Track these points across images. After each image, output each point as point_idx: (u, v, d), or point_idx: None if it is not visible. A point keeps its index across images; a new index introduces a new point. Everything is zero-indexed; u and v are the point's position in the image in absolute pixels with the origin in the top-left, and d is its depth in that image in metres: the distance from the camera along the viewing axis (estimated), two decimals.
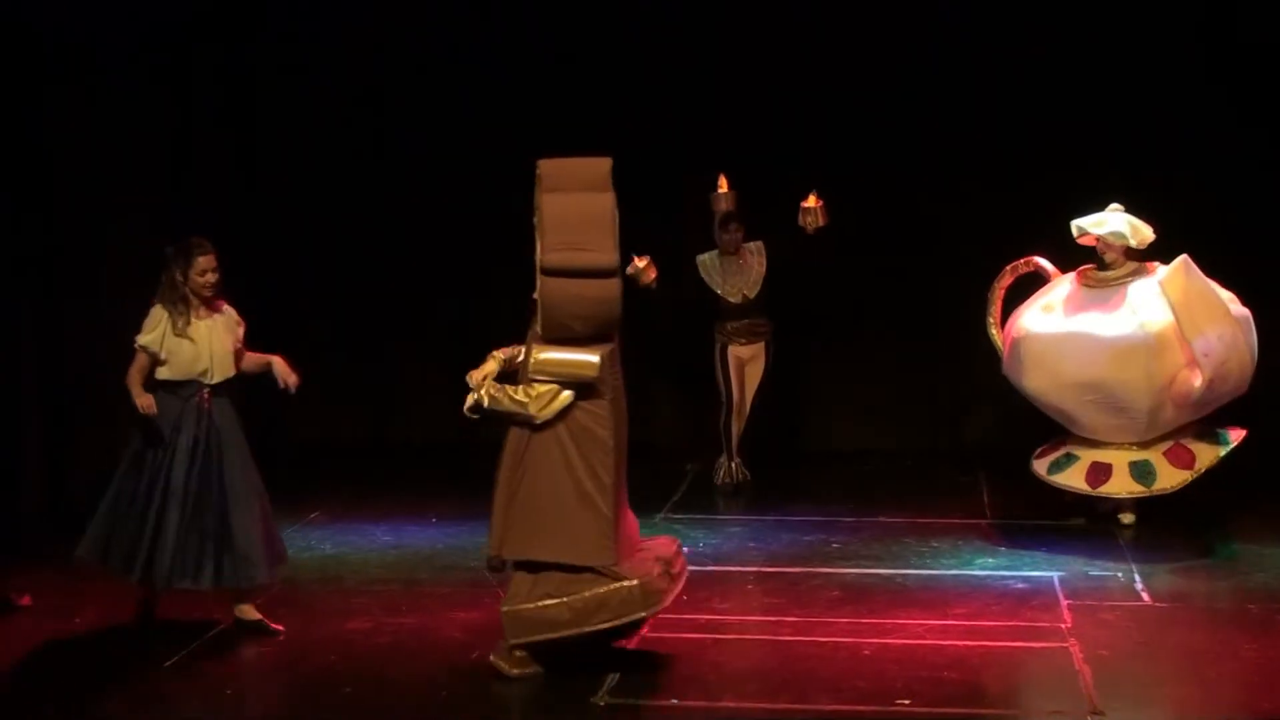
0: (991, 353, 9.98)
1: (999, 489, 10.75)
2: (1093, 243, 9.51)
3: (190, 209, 11.04)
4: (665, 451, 11.58)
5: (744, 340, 10.83)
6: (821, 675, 7.33)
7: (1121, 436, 9.53)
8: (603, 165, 7.33)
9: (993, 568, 9.02)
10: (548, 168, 7.32)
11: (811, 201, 10.40)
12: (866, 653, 7.61)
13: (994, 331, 9.96)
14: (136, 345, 7.75)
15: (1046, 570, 8.91)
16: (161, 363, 7.73)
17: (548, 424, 7.17)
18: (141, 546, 7.71)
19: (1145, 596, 8.47)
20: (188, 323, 7.73)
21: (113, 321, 10.45)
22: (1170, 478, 9.45)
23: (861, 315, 11.79)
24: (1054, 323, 9.51)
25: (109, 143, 10.57)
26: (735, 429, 10.90)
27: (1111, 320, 9.36)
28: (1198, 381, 9.14)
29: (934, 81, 11.51)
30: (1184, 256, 9.23)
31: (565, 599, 7.16)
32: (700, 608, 8.30)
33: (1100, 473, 9.53)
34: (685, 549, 7.78)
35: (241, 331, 7.94)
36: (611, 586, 7.15)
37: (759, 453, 11.35)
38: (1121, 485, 9.50)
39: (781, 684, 7.21)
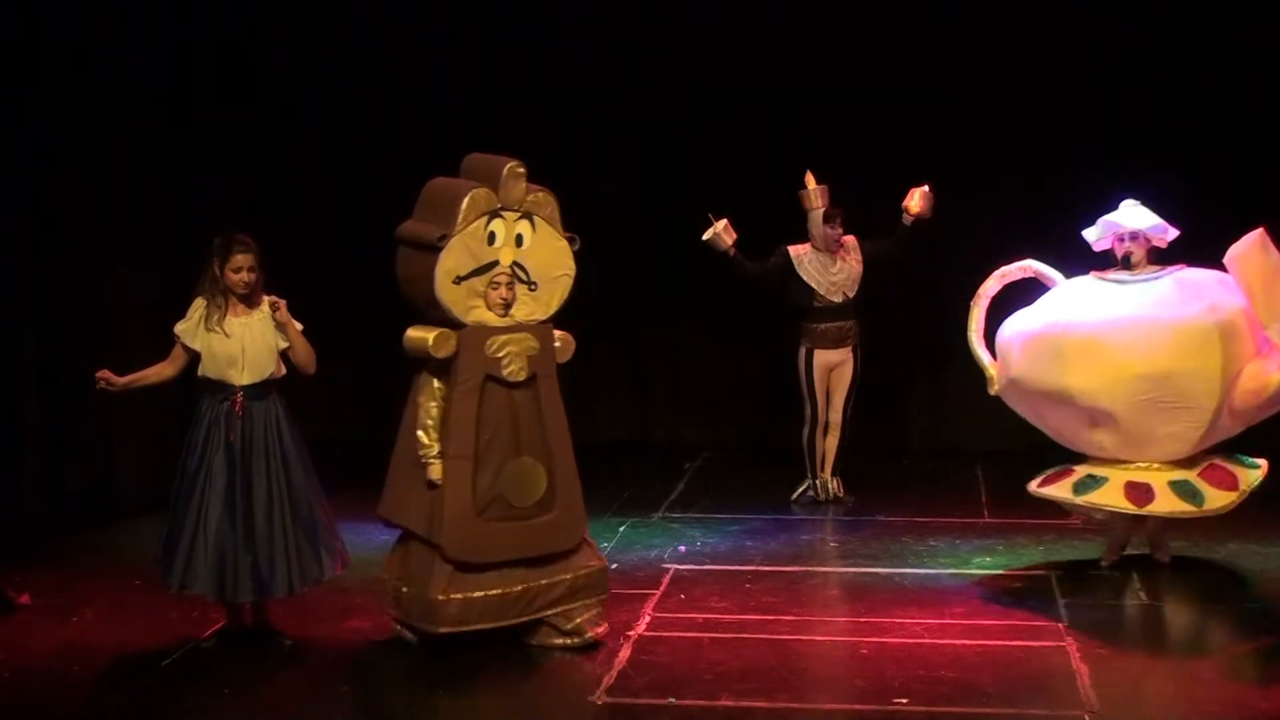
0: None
1: (997, 488, 10.75)
2: (1109, 245, 8.80)
3: (190, 209, 11.06)
4: (664, 450, 11.61)
5: (833, 344, 10.34)
6: (819, 674, 7.35)
7: (1164, 451, 8.53)
8: (498, 161, 7.60)
9: (991, 566, 9.03)
10: (467, 159, 7.79)
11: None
12: (864, 652, 7.62)
13: (978, 345, 9.00)
14: (173, 332, 7.71)
15: (1044, 569, 8.92)
16: (195, 354, 7.65)
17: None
18: (196, 559, 7.58)
19: (1143, 595, 8.47)
20: (222, 318, 7.62)
21: (113, 321, 10.52)
22: (1218, 499, 8.51)
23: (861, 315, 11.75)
24: (1099, 312, 8.52)
25: (109, 142, 10.57)
26: (823, 443, 10.46)
27: (1171, 305, 8.43)
28: (1277, 374, 8.26)
29: (934, 83, 11.51)
30: (1260, 230, 8.30)
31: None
32: (698, 606, 8.31)
33: (1141, 491, 8.52)
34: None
35: (291, 332, 7.70)
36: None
37: (759, 453, 11.40)
38: (1169, 504, 8.49)
39: (779, 683, 7.22)
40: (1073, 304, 8.64)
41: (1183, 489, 8.51)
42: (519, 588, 7.55)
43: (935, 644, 7.72)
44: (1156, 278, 8.62)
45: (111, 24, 10.58)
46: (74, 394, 10.26)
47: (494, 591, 7.50)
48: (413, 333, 7.55)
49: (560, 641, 7.63)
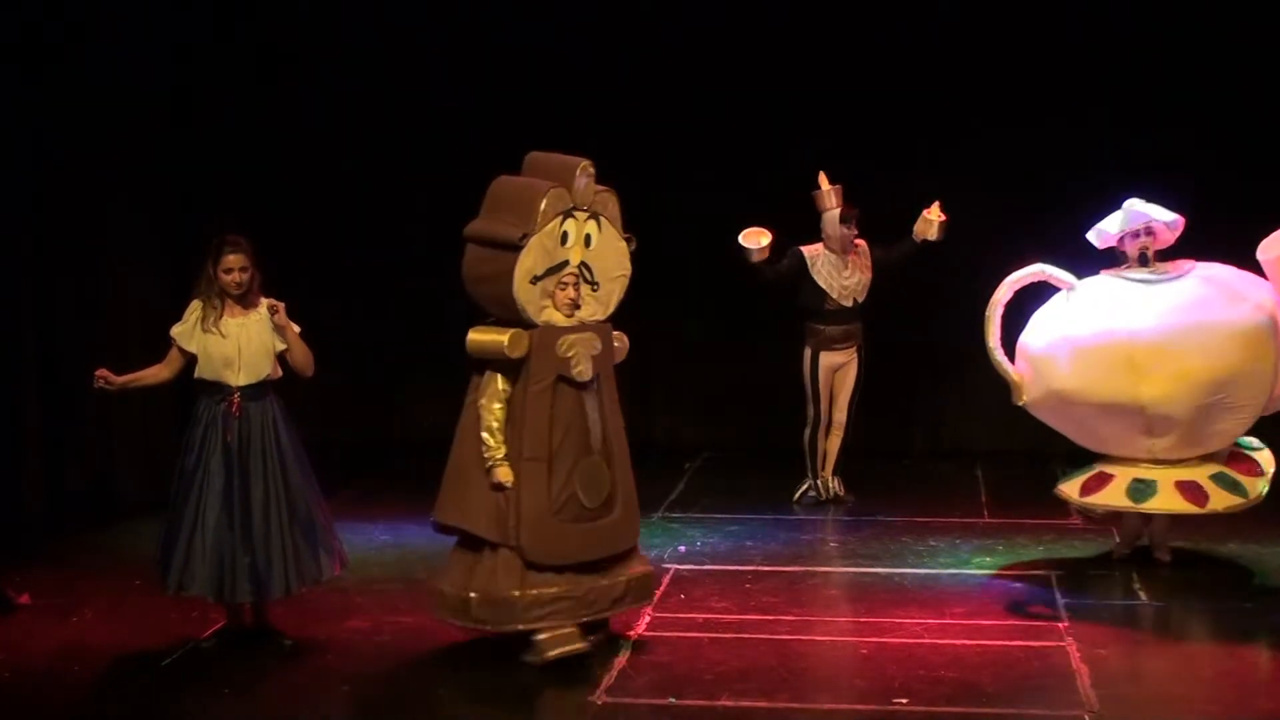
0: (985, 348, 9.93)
1: (997, 489, 10.75)
2: (1115, 244, 8.76)
3: (190, 209, 11.06)
4: (664, 450, 11.60)
5: (839, 346, 10.32)
6: (819, 674, 7.35)
7: (1208, 447, 8.61)
8: (570, 161, 7.50)
9: (990, 567, 9.03)
10: (529, 158, 7.65)
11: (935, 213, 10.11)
12: (864, 652, 7.63)
13: (1000, 355, 8.80)
14: (170, 334, 7.70)
15: (1044, 569, 8.91)
16: (192, 356, 7.64)
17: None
18: (194, 559, 7.57)
19: (1143, 595, 8.47)
20: (219, 318, 7.62)
21: (113, 321, 10.52)
22: (1254, 485, 8.65)
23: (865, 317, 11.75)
24: (1152, 318, 8.46)
25: (109, 142, 10.56)
26: (825, 444, 10.44)
27: (1216, 305, 8.45)
28: None
29: (936, 84, 11.51)
30: None
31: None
32: (698, 606, 8.32)
33: (1194, 490, 8.58)
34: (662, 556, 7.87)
35: (289, 335, 7.70)
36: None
37: (759, 453, 11.39)
38: (1222, 500, 8.58)
39: (779, 683, 7.22)
40: (1118, 309, 8.54)
41: (1224, 481, 8.61)
42: (584, 589, 7.48)
43: (935, 644, 7.72)
44: (1180, 277, 8.60)
45: (112, 23, 10.58)
46: (74, 394, 10.25)
47: (563, 592, 7.42)
48: (481, 334, 7.45)
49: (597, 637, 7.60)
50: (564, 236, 7.44)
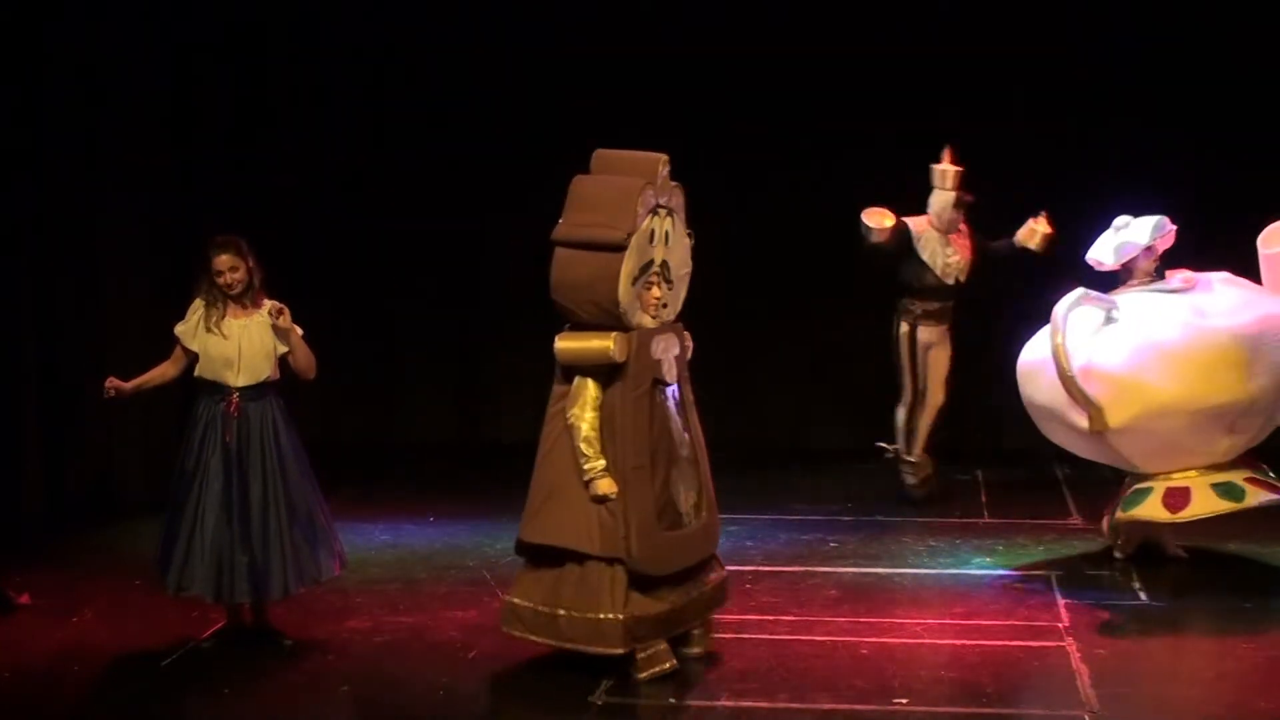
0: (985, 349, 9.92)
1: (997, 489, 10.75)
2: (1129, 261, 8.75)
3: (190, 208, 11.05)
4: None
5: (934, 322, 10.19)
6: (819, 674, 7.34)
7: (1256, 443, 8.72)
8: (651, 157, 7.28)
9: (990, 567, 9.03)
10: (599, 156, 7.37)
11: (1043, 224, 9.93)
12: (864, 652, 7.62)
13: (1081, 384, 8.40)
14: (174, 332, 7.69)
15: (1044, 569, 8.92)
16: (194, 355, 7.64)
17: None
18: (193, 560, 7.58)
19: (1143, 595, 8.47)
20: (220, 319, 7.61)
21: (113, 321, 10.52)
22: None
23: (859, 313, 11.76)
24: (1225, 319, 8.46)
25: (109, 142, 10.57)
26: (926, 421, 10.32)
27: (1266, 303, 8.54)
28: None
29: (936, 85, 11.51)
30: None
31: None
32: None
33: (1260, 483, 8.67)
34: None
35: (293, 338, 7.68)
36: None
37: (759, 453, 11.38)
38: (1260, 494, 8.64)
39: (779, 683, 7.22)
40: (1190, 314, 8.48)
41: (1261, 475, 8.64)
42: (681, 604, 7.31)
43: (935, 644, 7.73)
44: (1198, 286, 8.62)
45: (112, 25, 10.58)
46: (74, 394, 10.28)
47: (664, 611, 7.22)
48: (575, 341, 7.17)
49: (696, 650, 7.46)
50: (651, 234, 7.19)
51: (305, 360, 7.74)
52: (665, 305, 7.31)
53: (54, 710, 7.11)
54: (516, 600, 7.34)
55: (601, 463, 7.08)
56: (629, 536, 7.07)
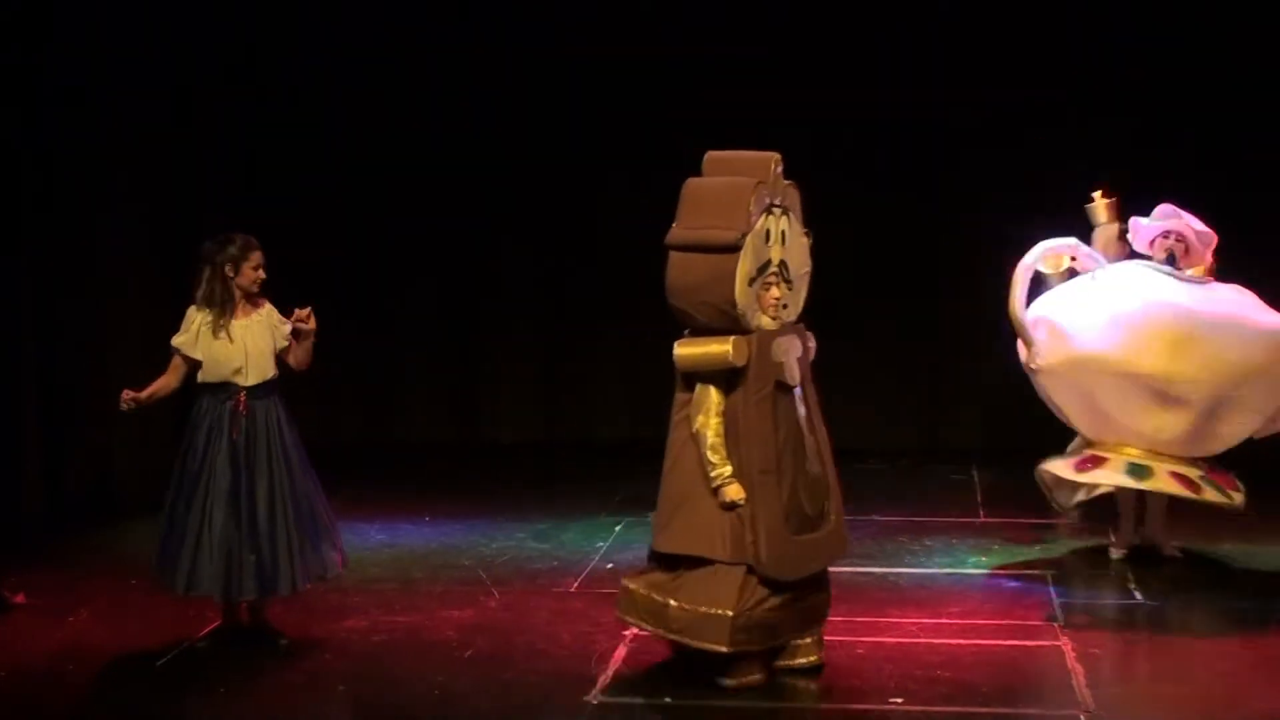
0: (982, 349, 9.89)
1: (992, 488, 10.76)
2: (1152, 240, 8.81)
3: (190, 209, 11.06)
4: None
5: None
6: (816, 674, 7.34)
7: (1208, 448, 8.71)
8: (763, 156, 7.19)
9: (986, 566, 9.04)
10: (710, 158, 7.30)
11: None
12: (860, 651, 7.63)
13: (1022, 316, 8.63)
14: (171, 345, 7.70)
15: (1040, 569, 8.93)
16: (198, 364, 7.65)
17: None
18: (201, 559, 7.58)
19: (1138, 595, 8.48)
20: (229, 321, 7.63)
21: (113, 322, 10.53)
22: (1233, 496, 8.71)
23: (860, 312, 11.75)
24: (1196, 305, 8.52)
25: (108, 142, 10.58)
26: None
27: (1254, 310, 8.60)
28: None
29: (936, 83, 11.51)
30: None
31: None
32: None
33: (1188, 481, 8.61)
34: None
35: (287, 329, 7.72)
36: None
37: None
38: (1211, 495, 8.64)
39: (776, 682, 7.22)
40: (1161, 290, 8.54)
41: (1210, 483, 8.59)
42: (789, 613, 7.17)
43: (931, 644, 7.73)
44: (1207, 284, 8.65)
45: (113, 23, 10.58)
46: (74, 394, 10.28)
47: (773, 618, 7.09)
48: (693, 347, 7.08)
49: (801, 662, 7.31)
50: (767, 234, 7.06)
51: (306, 358, 7.78)
52: (786, 306, 7.18)
53: (51, 710, 7.12)
54: (633, 586, 7.27)
55: (728, 469, 6.99)
56: (757, 542, 6.97)
